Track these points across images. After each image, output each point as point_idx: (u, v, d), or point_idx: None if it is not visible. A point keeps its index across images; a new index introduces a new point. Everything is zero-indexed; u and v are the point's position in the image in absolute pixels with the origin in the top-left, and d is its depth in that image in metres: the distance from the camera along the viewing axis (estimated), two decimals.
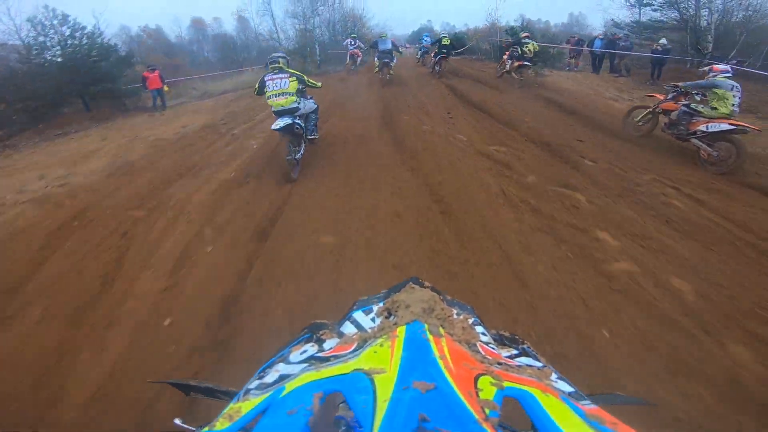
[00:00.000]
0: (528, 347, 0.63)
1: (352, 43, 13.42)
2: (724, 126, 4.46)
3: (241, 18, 19.35)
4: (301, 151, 4.64)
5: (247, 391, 0.45)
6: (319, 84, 4.83)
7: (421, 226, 3.07)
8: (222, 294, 2.37)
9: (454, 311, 0.59)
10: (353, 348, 0.49)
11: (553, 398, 0.39)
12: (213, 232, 3.28)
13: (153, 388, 1.66)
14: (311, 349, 0.55)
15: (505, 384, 0.39)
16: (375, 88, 9.93)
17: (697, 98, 4.91)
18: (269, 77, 4.37)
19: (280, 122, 4.27)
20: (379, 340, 0.46)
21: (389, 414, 0.32)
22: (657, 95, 5.76)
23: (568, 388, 0.46)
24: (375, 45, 10.47)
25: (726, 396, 1.66)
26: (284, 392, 0.39)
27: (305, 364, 0.49)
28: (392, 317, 0.55)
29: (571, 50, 12.36)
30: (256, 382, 0.47)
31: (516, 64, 9.19)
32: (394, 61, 9.95)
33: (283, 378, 0.46)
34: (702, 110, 4.74)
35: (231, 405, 0.41)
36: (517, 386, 0.40)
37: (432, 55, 11.13)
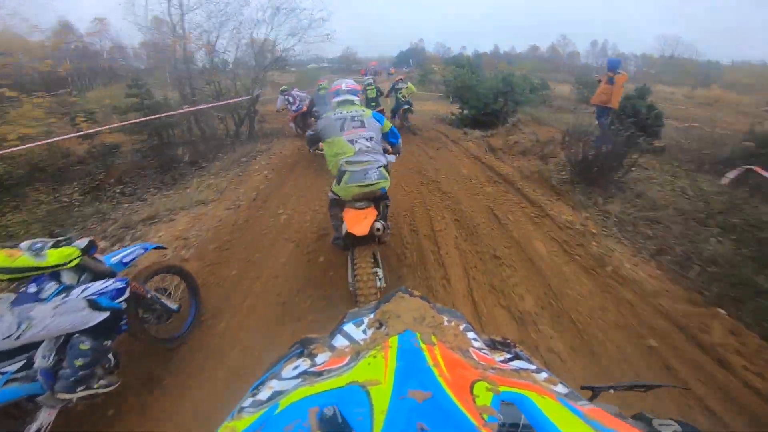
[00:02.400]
0: (520, 351, 0.69)
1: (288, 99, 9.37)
2: None
3: None
4: None
5: (241, 409, 0.48)
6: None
7: None
8: None
9: (445, 319, 0.64)
10: (346, 361, 0.52)
11: (550, 400, 0.42)
12: None
13: None
14: (303, 364, 0.58)
15: (501, 389, 0.42)
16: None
17: None
18: None
19: None
20: (372, 352, 0.50)
21: (387, 425, 0.35)
22: None
23: (563, 389, 0.51)
24: (312, 103, 8.44)
25: None
26: (279, 409, 0.42)
27: (299, 380, 0.52)
28: (383, 328, 0.59)
29: None
30: (250, 400, 0.50)
31: (401, 111, 9.66)
32: None
33: (276, 394, 0.49)
34: None
35: (225, 423, 0.45)
36: (514, 390, 0.43)
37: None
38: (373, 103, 9.27)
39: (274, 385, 0.53)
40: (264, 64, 10.19)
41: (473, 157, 7.06)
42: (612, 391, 0.76)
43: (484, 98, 10.00)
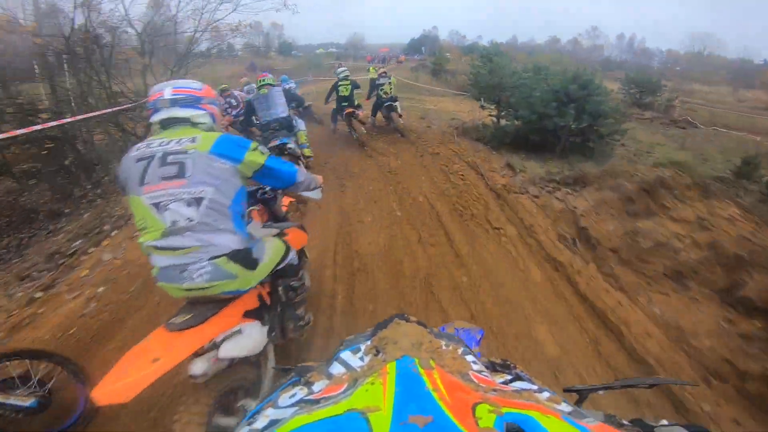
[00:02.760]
0: (521, 372, 0.68)
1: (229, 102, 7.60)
2: None
3: None
4: None
5: None
6: None
7: None
8: None
9: (443, 343, 0.63)
10: (344, 388, 0.52)
11: (555, 419, 0.41)
12: None
13: None
14: (300, 392, 0.58)
15: (504, 410, 0.41)
16: None
17: None
18: None
19: None
20: (370, 378, 0.49)
21: None
22: None
23: (567, 407, 0.50)
24: (250, 109, 5.42)
25: None
26: None
27: (295, 408, 0.51)
28: (381, 354, 0.58)
29: None
30: (246, 429, 0.50)
31: (384, 108, 7.97)
32: (289, 143, 4.85)
33: (273, 423, 0.48)
34: None
35: None
36: (517, 411, 0.42)
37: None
38: (344, 103, 7.34)
39: (270, 413, 0.52)
40: (190, 47, 6.40)
41: (552, 263, 3.25)
42: (602, 393, 0.74)
43: (542, 106, 6.19)
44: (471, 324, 1.31)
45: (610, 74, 21.99)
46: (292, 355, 2.33)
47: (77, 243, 3.79)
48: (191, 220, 1.46)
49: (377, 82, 7.93)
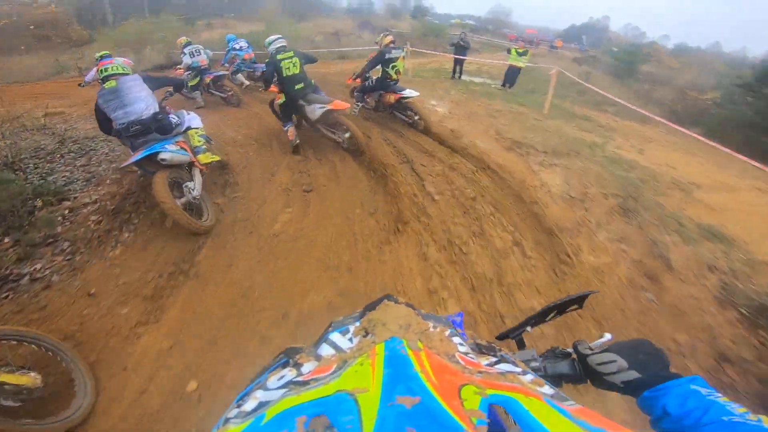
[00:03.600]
0: (506, 354, 0.68)
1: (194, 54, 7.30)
2: None
3: None
4: None
5: (227, 420, 0.47)
6: None
7: None
8: None
9: (430, 324, 0.62)
10: (333, 369, 0.51)
11: (537, 401, 0.42)
12: None
13: None
14: (289, 373, 0.57)
15: (489, 392, 0.42)
16: None
17: None
18: None
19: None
20: (359, 359, 0.49)
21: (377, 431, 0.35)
22: None
23: (549, 390, 0.50)
24: (100, 113, 3.47)
25: None
26: (266, 419, 0.41)
27: (285, 389, 0.51)
28: (369, 336, 0.58)
29: None
30: (235, 411, 0.49)
31: (391, 98, 5.64)
32: (165, 151, 3.45)
33: (262, 405, 0.47)
34: None
35: None
36: (501, 393, 0.42)
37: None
38: (298, 86, 4.66)
39: (259, 395, 0.51)
40: None
41: None
42: (529, 329, 0.76)
43: None
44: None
45: None
46: None
47: None
48: None
49: (388, 55, 5.42)
